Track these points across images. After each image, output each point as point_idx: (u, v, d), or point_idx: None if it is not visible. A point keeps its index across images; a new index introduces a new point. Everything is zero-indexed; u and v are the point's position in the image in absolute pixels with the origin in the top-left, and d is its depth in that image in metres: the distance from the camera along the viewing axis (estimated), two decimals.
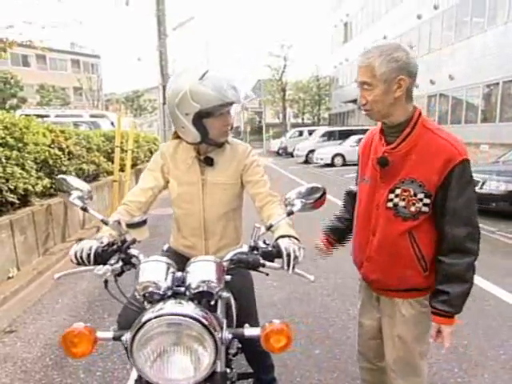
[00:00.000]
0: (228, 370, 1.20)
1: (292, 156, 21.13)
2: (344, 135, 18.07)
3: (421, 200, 1.32)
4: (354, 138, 16.63)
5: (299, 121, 39.50)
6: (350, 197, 1.68)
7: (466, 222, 1.30)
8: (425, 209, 1.33)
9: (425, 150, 1.30)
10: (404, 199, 1.34)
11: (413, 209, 1.33)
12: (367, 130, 1.54)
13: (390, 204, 1.37)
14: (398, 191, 1.35)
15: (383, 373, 1.65)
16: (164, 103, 9.95)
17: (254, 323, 1.65)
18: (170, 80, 1.57)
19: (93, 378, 2.31)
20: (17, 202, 4.00)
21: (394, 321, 1.49)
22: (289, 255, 1.20)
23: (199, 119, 1.46)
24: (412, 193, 1.32)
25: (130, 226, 1.21)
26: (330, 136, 19.32)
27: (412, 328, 1.46)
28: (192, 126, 1.48)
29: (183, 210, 1.66)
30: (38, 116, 6.04)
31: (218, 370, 1.10)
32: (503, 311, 3.02)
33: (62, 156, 5.12)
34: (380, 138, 1.41)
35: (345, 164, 15.94)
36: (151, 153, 11.17)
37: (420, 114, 1.35)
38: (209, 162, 1.60)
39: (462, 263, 1.31)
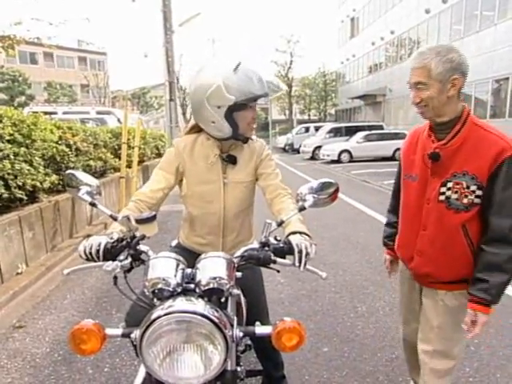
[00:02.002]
0: (238, 368, 1.19)
1: (298, 152, 21.06)
2: (351, 131, 17.97)
3: (473, 192, 1.37)
4: (360, 135, 16.53)
5: (305, 117, 39.28)
6: (394, 197, 1.77)
7: (510, 213, 1.35)
8: (477, 200, 1.38)
9: (476, 145, 1.36)
10: (456, 192, 1.39)
11: (465, 201, 1.39)
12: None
13: (442, 197, 1.43)
14: (449, 184, 1.41)
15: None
16: (171, 100, 9.94)
17: (265, 320, 1.64)
18: (194, 76, 1.52)
19: (101, 374, 2.31)
20: (25, 198, 4.01)
21: (435, 311, 1.55)
22: (300, 252, 1.19)
23: (230, 113, 1.44)
24: (465, 185, 1.38)
25: (139, 221, 1.19)
26: (336, 132, 19.23)
27: (452, 318, 1.52)
28: (224, 119, 1.45)
29: (202, 209, 1.62)
30: (46, 113, 6.06)
31: (229, 368, 1.09)
32: None
33: (70, 152, 5.13)
34: (429, 135, 1.47)
35: (351, 160, 15.86)
36: (158, 149, 11.18)
37: (469, 112, 1.41)
38: (232, 160, 1.58)
39: (504, 254, 1.35)
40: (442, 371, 1.60)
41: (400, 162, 1.68)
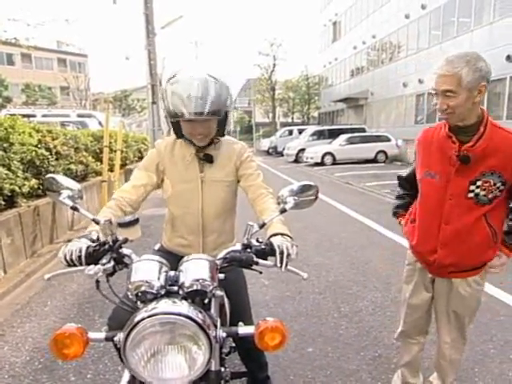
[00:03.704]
0: (222, 369, 1.20)
1: (282, 155, 21.16)
2: (333, 134, 18.17)
3: (498, 188, 1.54)
4: (343, 137, 16.73)
5: (289, 120, 39.57)
6: (402, 180, 1.94)
7: None
8: (499, 194, 1.55)
9: (500, 145, 1.49)
10: (485, 189, 1.54)
11: (490, 196, 1.55)
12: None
13: (471, 194, 1.56)
14: (479, 183, 1.54)
15: (420, 349, 1.98)
16: (154, 102, 9.85)
17: (248, 321, 1.65)
18: None
19: (84, 381, 2.27)
20: (3, 203, 3.92)
21: (450, 298, 1.74)
22: (282, 253, 1.21)
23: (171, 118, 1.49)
24: (492, 183, 1.52)
25: (122, 225, 1.19)
26: (319, 135, 19.40)
27: (467, 305, 1.73)
28: (170, 123, 1.52)
29: (182, 209, 1.64)
30: (24, 116, 5.93)
31: (213, 368, 1.10)
32: (493, 306, 3.06)
33: (50, 156, 5.03)
34: (449, 137, 1.55)
35: (334, 163, 16.03)
36: (140, 153, 11.07)
37: (488, 114, 1.53)
38: (209, 158, 1.60)
39: None
40: (457, 360, 1.88)
41: (415, 157, 1.78)
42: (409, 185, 1.88)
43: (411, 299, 1.87)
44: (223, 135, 1.61)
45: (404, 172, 1.93)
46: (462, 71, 1.38)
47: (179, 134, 1.55)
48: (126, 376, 1.14)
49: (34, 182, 4.48)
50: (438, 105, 1.48)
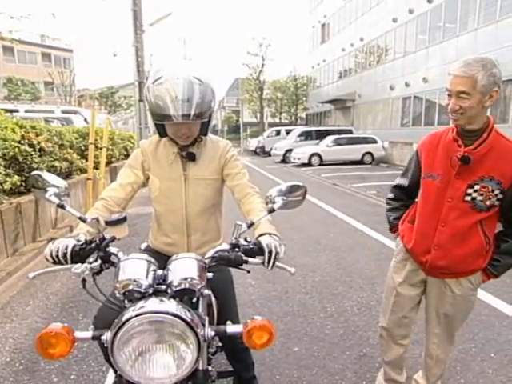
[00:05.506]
0: (210, 368, 1.20)
1: (269, 155, 21.21)
2: (321, 135, 18.30)
3: (496, 195, 1.55)
4: (330, 138, 16.87)
5: (277, 120, 39.69)
6: (402, 190, 1.90)
7: None
8: (497, 203, 1.57)
9: (501, 153, 1.53)
10: (482, 194, 1.56)
11: (488, 203, 1.57)
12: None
13: (468, 198, 1.58)
14: (476, 187, 1.56)
15: (404, 350, 1.99)
16: (140, 100, 9.76)
17: (235, 320, 1.65)
18: None
19: (67, 382, 2.22)
20: None
21: (442, 300, 1.76)
22: (270, 252, 1.22)
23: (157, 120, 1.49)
24: (490, 189, 1.55)
25: (109, 223, 1.18)
26: (307, 136, 19.52)
27: (459, 305, 1.75)
28: (154, 124, 1.52)
29: (165, 206, 1.65)
30: (6, 111, 5.78)
31: (200, 367, 1.10)
32: (474, 307, 3.12)
33: (33, 153, 4.91)
34: (455, 140, 1.59)
35: (321, 164, 16.15)
36: (126, 150, 10.94)
37: (493, 122, 1.56)
38: (191, 157, 1.60)
39: None
40: (444, 360, 1.91)
41: (417, 160, 1.78)
42: (408, 194, 1.87)
43: (397, 298, 1.88)
44: (206, 134, 1.62)
45: (403, 181, 1.89)
46: (478, 74, 1.41)
47: (162, 134, 1.57)
48: (111, 376, 1.13)
49: (16, 178, 4.38)
50: (449, 105, 1.51)
